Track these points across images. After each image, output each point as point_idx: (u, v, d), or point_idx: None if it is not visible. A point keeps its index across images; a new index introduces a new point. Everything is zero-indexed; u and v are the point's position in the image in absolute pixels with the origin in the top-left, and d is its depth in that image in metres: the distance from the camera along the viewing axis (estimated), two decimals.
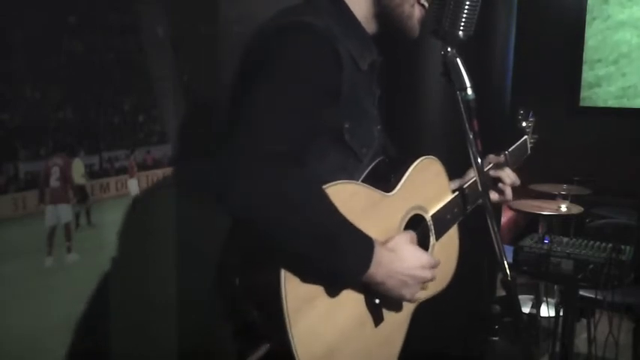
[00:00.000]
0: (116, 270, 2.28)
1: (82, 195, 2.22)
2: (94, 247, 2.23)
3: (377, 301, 1.32)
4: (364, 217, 1.27)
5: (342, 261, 1.17)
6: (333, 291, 1.22)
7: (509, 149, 1.85)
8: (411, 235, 1.37)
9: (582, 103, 5.55)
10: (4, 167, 1.94)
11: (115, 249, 2.30)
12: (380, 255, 1.23)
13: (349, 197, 1.26)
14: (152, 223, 2.47)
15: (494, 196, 1.72)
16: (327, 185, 1.20)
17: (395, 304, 1.37)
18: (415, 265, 1.30)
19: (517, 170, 1.78)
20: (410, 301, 1.34)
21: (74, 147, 2.17)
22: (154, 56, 2.47)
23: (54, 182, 2.10)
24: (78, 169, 2.19)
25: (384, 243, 1.30)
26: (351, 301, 1.28)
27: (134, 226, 2.38)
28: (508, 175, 1.71)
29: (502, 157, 1.76)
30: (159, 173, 2.52)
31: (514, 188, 1.73)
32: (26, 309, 1.99)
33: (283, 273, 1.13)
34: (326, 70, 1.23)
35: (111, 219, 2.31)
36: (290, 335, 1.13)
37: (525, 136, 2.00)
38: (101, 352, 2.26)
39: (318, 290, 1.20)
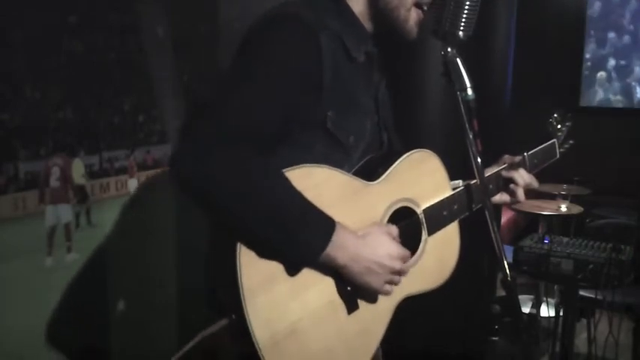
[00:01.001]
0: (116, 270, 2.28)
1: (82, 195, 2.22)
2: (94, 247, 2.24)
3: (348, 288, 1.30)
4: (338, 203, 1.27)
5: (296, 239, 1.18)
6: (293, 270, 1.22)
7: (530, 151, 1.77)
8: (390, 227, 1.35)
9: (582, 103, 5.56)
10: (4, 167, 1.94)
11: (115, 249, 2.30)
12: (343, 238, 1.23)
13: (320, 182, 1.25)
14: (152, 223, 2.47)
15: (504, 197, 1.68)
16: (294, 167, 1.21)
17: (370, 294, 1.35)
18: (382, 254, 1.28)
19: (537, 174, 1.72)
20: (379, 290, 1.31)
21: (74, 147, 2.17)
22: (154, 56, 2.46)
23: (54, 182, 2.10)
24: (78, 169, 2.19)
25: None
26: (321, 284, 1.27)
27: (134, 225, 2.38)
28: (521, 176, 1.66)
29: (518, 158, 1.71)
30: (159, 173, 2.52)
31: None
32: (26, 308, 1.99)
33: (239, 247, 1.15)
34: (303, 60, 1.24)
35: (111, 219, 2.31)
36: (245, 309, 1.15)
37: (554, 140, 1.91)
38: (101, 352, 2.26)
39: (278, 269, 1.21)
